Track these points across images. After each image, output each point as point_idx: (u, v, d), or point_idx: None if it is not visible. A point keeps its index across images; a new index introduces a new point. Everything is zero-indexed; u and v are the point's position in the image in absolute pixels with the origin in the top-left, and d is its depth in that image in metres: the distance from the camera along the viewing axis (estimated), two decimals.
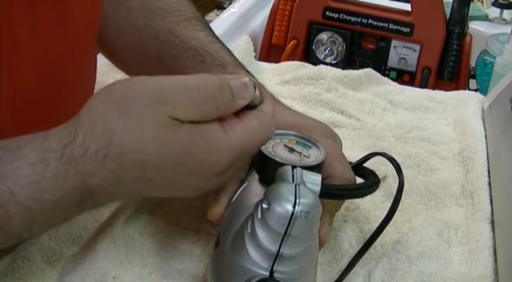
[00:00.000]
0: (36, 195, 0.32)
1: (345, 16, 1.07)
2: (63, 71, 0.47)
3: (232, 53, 0.55)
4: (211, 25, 1.00)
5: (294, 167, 0.38)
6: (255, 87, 0.38)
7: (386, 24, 1.05)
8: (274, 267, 0.34)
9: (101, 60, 0.63)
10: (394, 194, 0.43)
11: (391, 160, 0.44)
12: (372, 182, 0.43)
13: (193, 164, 0.35)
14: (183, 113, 0.35)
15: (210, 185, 0.38)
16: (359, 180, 0.45)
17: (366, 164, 0.49)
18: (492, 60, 1.00)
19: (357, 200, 0.51)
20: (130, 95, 0.35)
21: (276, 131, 0.42)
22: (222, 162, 0.36)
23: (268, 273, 0.34)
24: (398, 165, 0.43)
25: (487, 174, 0.56)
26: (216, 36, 0.56)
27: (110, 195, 0.35)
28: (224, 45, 0.55)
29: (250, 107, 0.38)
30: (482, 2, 1.33)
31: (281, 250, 0.34)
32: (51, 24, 0.44)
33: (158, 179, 0.35)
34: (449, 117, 0.68)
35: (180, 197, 0.50)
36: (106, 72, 0.66)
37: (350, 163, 0.46)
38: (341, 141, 0.48)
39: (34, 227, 0.34)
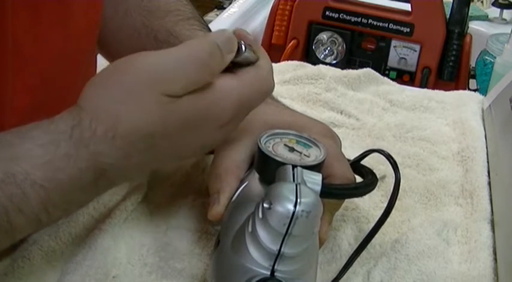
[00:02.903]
0: (50, 175, 0.33)
1: (345, 16, 1.07)
2: (66, 74, 0.47)
3: None
4: (211, 25, 1.00)
5: (294, 166, 0.38)
6: (245, 47, 0.38)
7: (387, 24, 1.06)
8: (275, 267, 0.34)
9: (100, 60, 0.63)
10: (396, 195, 0.43)
11: (388, 157, 0.44)
12: (370, 180, 0.44)
13: (196, 122, 0.37)
14: (181, 88, 0.36)
15: (214, 139, 0.39)
16: (357, 178, 0.46)
17: (364, 163, 0.49)
18: (492, 60, 1.01)
19: (356, 200, 0.51)
20: (124, 79, 0.36)
21: (276, 131, 0.42)
22: (223, 112, 0.37)
23: (269, 273, 0.34)
24: (394, 162, 0.43)
25: (487, 174, 0.56)
26: None
27: (121, 171, 0.36)
28: None
29: (245, 64, 0.39)
30: (482, 2, 1.33)
31: (282, 249, 0.34)
32: (53, 28, 0.44)
33: (165, 144, 0.37)
34: (448, 117, 0.68)
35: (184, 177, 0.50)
36: None
37: (348, 160, 0.46)
38: (340, 141, 0.48)
39: (51, 209, 0.35)
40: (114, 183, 0.38)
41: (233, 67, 0.38)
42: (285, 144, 0.41)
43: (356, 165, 0.48)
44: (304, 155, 0.41)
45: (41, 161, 0.33)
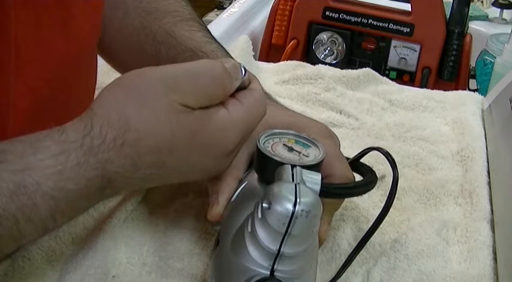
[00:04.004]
0: (60, 185, 0.34)
1: (345, 16, 1.07)
2: (67, 76, 0.47)
3: (229, 53, 0.55)
4: (212, 25, 1.00)
5: (293, 166, 0.38)
6: (245, 70, 0.40)
7: (387, 24, 1.05)
8: (275, 266, 0.34)
9: (99, 60, 0.63)
10: (394, 193, 0.43)
11: (386, 155, 0.43)
12: (370, 179, 0.43)
13: (204, 145, 0.38)
14: (194, 100, 0.37)
15: (220, 165, 0.40)
16: (355, 175, 0.45)
17: (364, 162, 0.49)
18: (492, 60, 1.01)
19: (355, 199, 0.51)
20: (141, 84, 0.37)
21: (275, 131, 0.42)
22: (230, 141, 0.39)
23: (268, 272, 0.34)
24: (393, 159, 0.43)
25: (487, 173, 0.56)
26: (213, 37, 0.56)
27: (127, 181, 0.37)
28: (221, 45, 0.56)
29: (241, 88, 0.40)
30: (482, 2, 1.33)
31: (282, 249, 0.34)
32: (55, 31, 0.44)
33: (172, 162, 0.37)
34: (447, 117, 0.68)
35: (185, 186, 0.51)
36: (105, 72, 0.66)
37: (347, 159, 0.46)
38: (339, 141, 0.48)
39: (58, 216, 0.35)
40: (118, 192, 0.39)
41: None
42: (284, 144, 0.41)
43: (356, 163, 0.48)
44: (303, 154, 0.41)
45: (52, 171, 0.34)
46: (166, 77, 0.37)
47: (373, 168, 0.46)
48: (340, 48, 1.09)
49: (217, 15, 1.24)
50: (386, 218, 0.43)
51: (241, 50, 0.78)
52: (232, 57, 0.55)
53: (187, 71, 0.38)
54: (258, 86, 0.41)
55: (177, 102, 0.36)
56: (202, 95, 0.37)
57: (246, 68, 0.53)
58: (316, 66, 0.77)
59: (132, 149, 0.35)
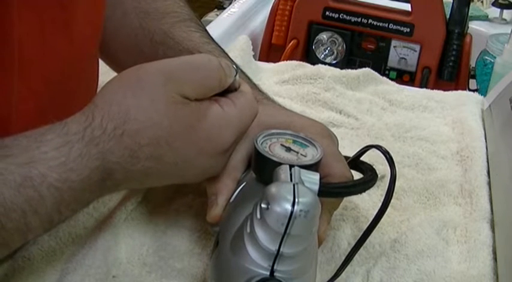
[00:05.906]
0: (64, 176, 0.35)
1: (345, 16, 1.07)
2: (70, 78, 0.47)
3: (227, 54, 0.55)
4: (212, 25, 1.00)
5: (291, 166, 0.38)
6: (236, 72, 0.41)
7: (387, 24, 1.06)
8: (275, 267, 0.34)
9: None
10: (392, 191, 0.43)
11: (385, 153, 0.43)
12: (369, 177, 0.43)
13: (200, 140, 0.39)
14: (191, 89, 0.38)
15: (216, 164, 0.41)
16: (355, 174, 0.45)
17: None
18: (492, 60, 1.01)
19: (355, 199, 0.51)
20: (140, 76, 0.38)
21: (273, 131, 0.43)
22: (225, 139, 0.40)
23: (268, 273, 0.34)
24: (391, 157, 0.42)
25: (486, 173, 0.56)
26: (211, 37, 0.56)
27: (127, 174, 0.37)
28: (219, 46, 0.56)
29: (232, 89, 0.41)
30: (482, 2, 1.33)
31: (281, 249, 0.34)
32: (58, 33, 0.44)
33: (169, 156, 0.38)
34: (447, 117, 0.68)
35: (186, 185, 0.51)
36: (105, 72, 0.66)
37: (347, 158, 0.46)
38: (337, 140, 0.48)
39: (62, 209, 0.36)
40: (119, 186, 0.39)
41: (224, 92, 0.41)
42: (282, 144, 0.42)
43: (356, 161, 0.47)
44: (301, 154, 0.41)
45: (56, 163, 0.34)
46: (165, 68, 0.39)
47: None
48: (340, 48, 1.09)
49: (217, 15, 1.24)
50: (386, 218, 0.43)
51: (240, 50, 0.78)
52: (230, 58, 0.55)
53: (185, 63, 0.39)
54: (248, 89, 0.43)
55: (175, 92, 0.37)
56: (199, 86, 0.39)
57: (246, 67, 0.53)
58: (316, 66, 0.77)
59: (132, 139, 0.36)
